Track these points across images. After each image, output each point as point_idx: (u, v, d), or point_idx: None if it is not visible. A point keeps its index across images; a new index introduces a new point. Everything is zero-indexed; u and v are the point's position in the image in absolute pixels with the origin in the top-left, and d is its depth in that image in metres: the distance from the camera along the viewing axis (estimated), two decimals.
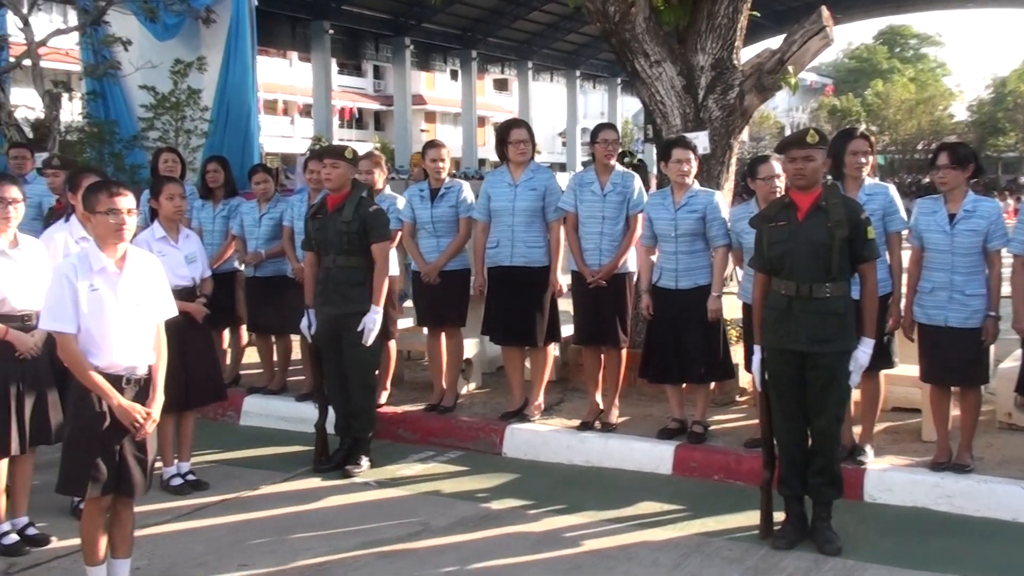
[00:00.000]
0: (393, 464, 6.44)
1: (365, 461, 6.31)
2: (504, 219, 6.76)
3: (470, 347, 7.68)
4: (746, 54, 7.95)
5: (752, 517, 5.18)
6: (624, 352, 6.77)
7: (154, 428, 4.22)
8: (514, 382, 6.98)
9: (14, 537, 4.97)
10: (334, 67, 42.52)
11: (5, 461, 4.93)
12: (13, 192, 4.91)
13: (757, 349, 5.11)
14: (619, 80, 52.87)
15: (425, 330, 7.51)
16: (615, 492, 5.87)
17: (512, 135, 6.78)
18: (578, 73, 51.20)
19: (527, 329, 6.75)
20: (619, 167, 6.73)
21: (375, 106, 58.13)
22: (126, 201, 4.12)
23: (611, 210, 6.60)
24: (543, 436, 6.63)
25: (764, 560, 4.83)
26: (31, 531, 5.06)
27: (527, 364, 7.12)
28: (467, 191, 7.15)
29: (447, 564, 4.81)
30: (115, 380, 4.08)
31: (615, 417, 6.76)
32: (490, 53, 45.33)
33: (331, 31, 35.89)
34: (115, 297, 4.09)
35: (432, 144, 7.31)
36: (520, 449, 6.63)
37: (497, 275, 6.87)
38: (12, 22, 11.76)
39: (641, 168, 8.28)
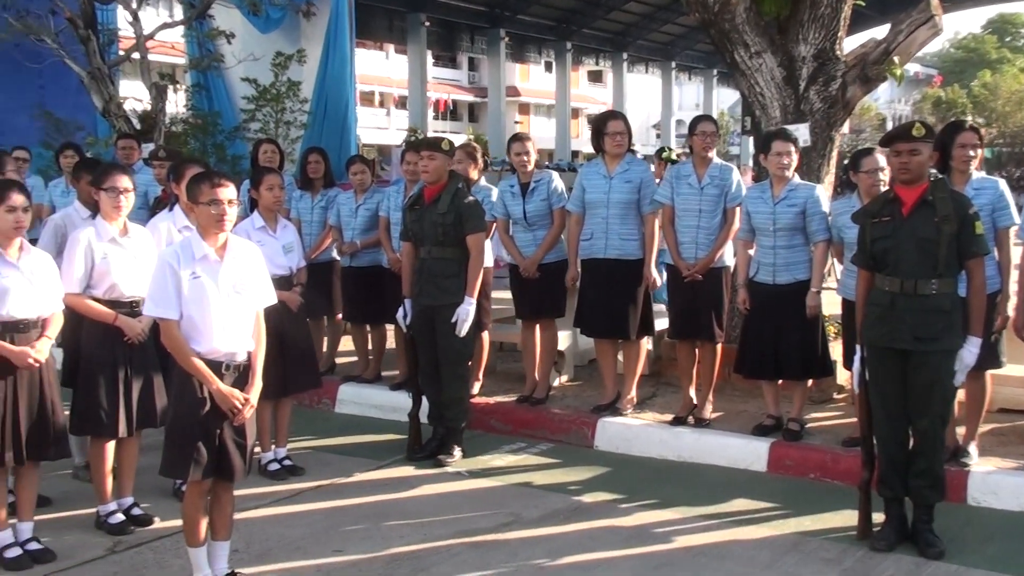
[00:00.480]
0: (485, 454, 6.47)
1: (457, 451, 6.36)
2: (598, 211, 6.73)
3: (563, 339, 7.67)
4: (849, 44, 7.75)
5: (850, 518, 5.07)
6: (719, 347, 6.68)
7: (252, 414, 4.31)
8: (606, 375, 6.95)
9: (120, 516, 5.13)
10: (429, 59, 42.87)
11: (113, 443, 5.10)
12: (124, 182, 5.08)
13: (858, 347, 4.98)
14: (715, 71, 52.12)
15: (518, 321, 7.52)
16: (708, 488, 5.80)
17: (609, 127, 6.73)
18: (673, 64, 50.61)
19: (620, 322, 6.70)
20: (718, 160, 6.64)
21: (469, 98, 58.45)
22: (227, 192, 4.21)
23: (708, 203, 6.52)
24: (635, 430, 6.59)
25: (863, 562, 4.71)
26: (136, 511, 5.22)
27: (620, 357, 7.08)
28: (557, 181, 7.13)
29: (538, 556, 4.81)
30: (215, 366, 4.17)
31: (709, 412, 6.68)
32: (585, 44, 45.08)
33: (427, 23, 36.13)
34: (215, 285, 4.18)
35: (516, 138, 7.30)
36: (612, 442, 6.60)
37: (590, 267, 6.84)
38: (122, 17, 12.13)
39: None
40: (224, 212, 4.18)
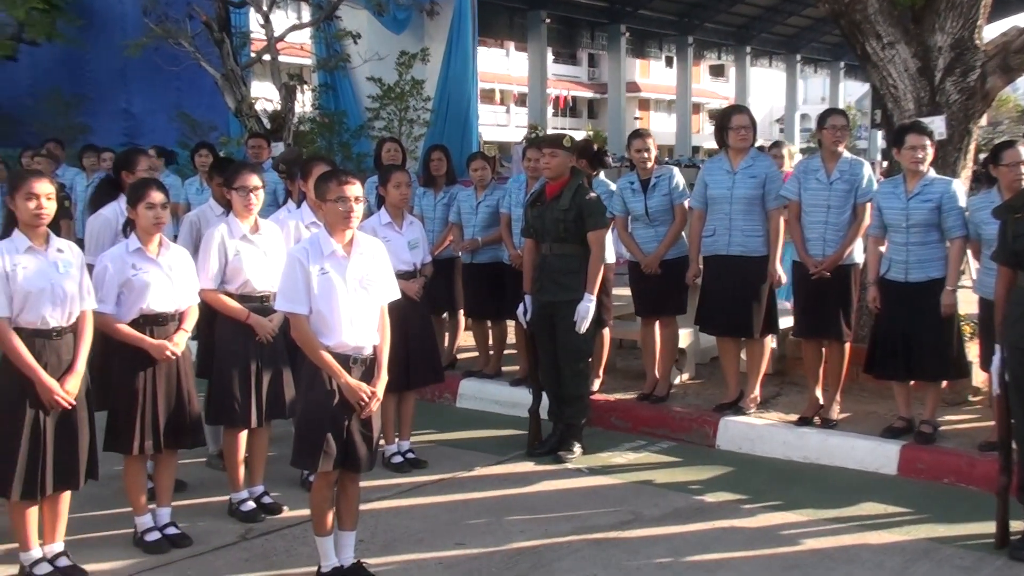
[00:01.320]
0: (605, 452, 6.44)
1: (577, 447, 6.35)
2: (721, 207, 6.62)
3: (684, 337, 7.57)
4: (989, 32, 7.43)
5: (987, 525, 4.85)
6: (847, 346, 6.50)
7: (378, 407, 4.38)
8: (729, 373, 6.84)
9: (251, 504, 5.29)
10: (549, 56, 42.93)
11: (244, 433, 5.27)
12: (255, 181, 5.23)
13: (997, 348, 4.77)
14: (842, 64, 50.78)
15: (638, 318, 7.47)
16: (835, 491, 5.65)
17: (733, 121, 6.62)
18: (798, 57, 49.50)
19: (744, 320, 6.59)
20: (848, 154, 6.45)
21: (589, 94, 58.35)
22: (354, 189, 4.28)
23: (837, 199, 6.34)
24: (759, 430, 6.46)
25: (1001, 571, 4.52)
26: (266, 500, 5.38)
27: (743, 356, 6.96)
28: (678, 177, 7.05)
29: (659, 555, 4.76)
30: (343, 359, 4.25)
31: (836, 413, 6.50)
32: (707, 39, 44.50)
33: (547, 20, 36.22)
34: (343, 280, 4.26)
35: (636, 134, 7.23)
36: (734, 442, 6.49)
37: (713, 264, 6.74)
38: (254, 20, 12.52)
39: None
40: (351, 209, 4.26)
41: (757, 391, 6.77)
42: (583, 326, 6.18)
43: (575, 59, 57.23)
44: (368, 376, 4.34)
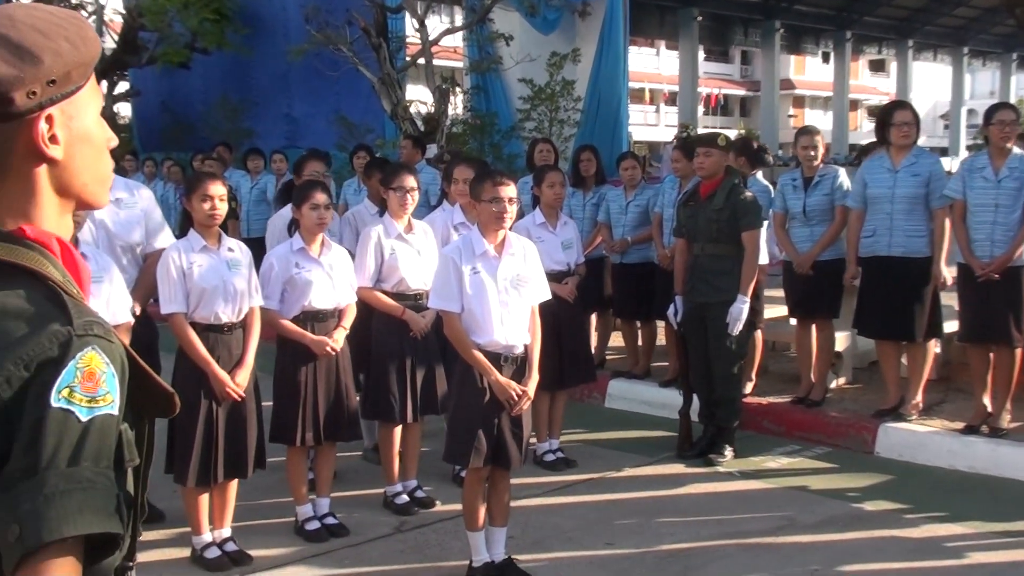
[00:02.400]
0: (757, 455, 6.33)
1: (728, 450, 6.25)
2: (882, 206, 6.40)
3: (840, 340, 7.36)
4: None
5: None
6: (1018, 352, 6.18)
7: (529, 405, 4.43)
8: (889, 378, 6.60)
9: (405, 498, 5.43)
10: (701, 54, 42.33)
11: (399, 428, 5.41)
12: (411, 182, 5.37)
13: None
14: (1014, 56, 48.24)
15: (793, 320, 7.30)
16: (1005, 503, 5.38)
17: (896, 117, 6.39)
18: (965, 50, 47.28)
19: (905, 323, 6.35)
20: (1018, 150, 6.14)
21: (741, 92, 57.33)
22: (509, 190, 4.33)
23: (1006, 197, 6.04)
24: (921, 437, 6.22)
25: None
26: (419, 493, 5.51)
27: (903, 360, 6.71)
28: (843, 177, 6.86)
29: (813, 562, 4.65)
30: (494, 358, 4.30)
31: (1006, 422, 6.19)
32: (866, 33, 42.98)
33: (699, 18, 35.72)
34: (494, 280, 4.32)
35: (804, 131, 7.08)
36: (894, 449, 6.26)
37: (873, 266, 6.51)
38: (409, 24, 12.81)
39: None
40: (504, 210, 4.30)
41: (919, 397, 6.51)
42: (736, 328, 6.09)
43: (727, 56, 56.29)
44: (519, 375, 4.38)
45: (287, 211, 5.89)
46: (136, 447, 1.34)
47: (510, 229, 4.45)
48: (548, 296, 4.60)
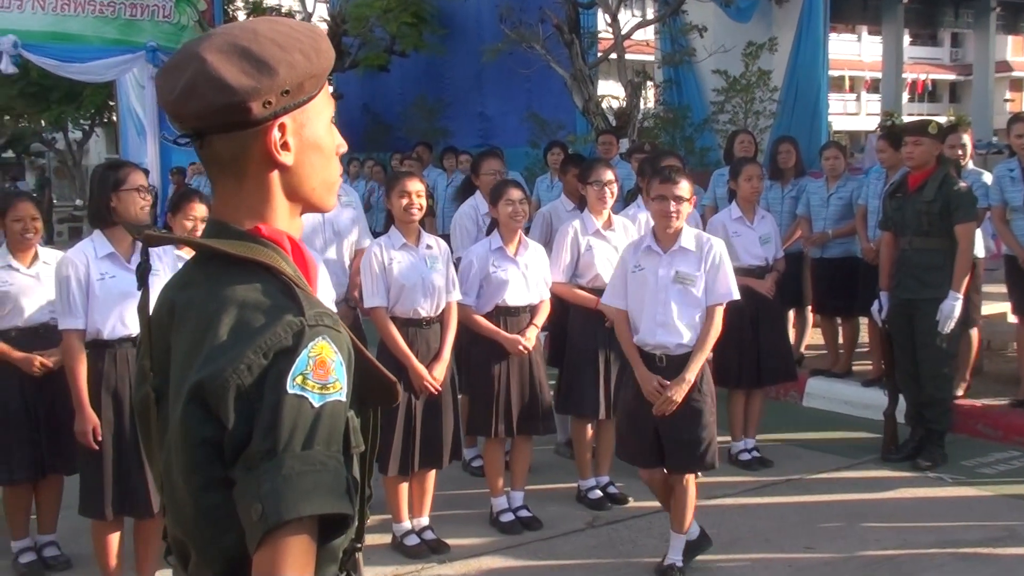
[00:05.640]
0: (970, 460, 5.98)
1: (938, 454, 5.93)
2: None
3: None
4: None
5: None
6: None
7: (672, 408, 4.25)
8: None
9: (598, 493, 5.42)
10: (906, 38, 40.29)
11: (593, 423, 5.40)
12: (609, 175, 5.37)
13: None
14: None
15: (1012, 318, 6.84)
16: None
17: None
18: None
19: None
20: None
21: (950, 76, 54.26)
22: (677, 188, 4.25)
23: None
24: None
25: None
26: (612, 489, 5.47)
27: None
28: None
29: None
30: (648, 357, 4.25)
31: None
32: None
33: (905, 0, 34.03)
34: (655, 277, 4.25)
35: (1017, 118, 6.60)
36: None
37: None
38: (601, 19, 12.81)
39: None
40: (669, 209, 4.24)
41: None
42: (947, 326, 5.76)
43: (935, 40, 53.36)
44: (672, 374, 4.26)
45: (468, 207, 6.01)
46: (361, 434, 1.40)
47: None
48: (733, 297, 4.42)
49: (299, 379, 1.28)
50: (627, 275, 4.30)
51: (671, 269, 4.28)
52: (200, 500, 1.34)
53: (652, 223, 4.54)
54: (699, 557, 4.53)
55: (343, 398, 1.33)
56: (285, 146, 1.41)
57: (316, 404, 1.29)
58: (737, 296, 4.48)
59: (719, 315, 4.37)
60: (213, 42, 1.37)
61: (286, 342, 1.30)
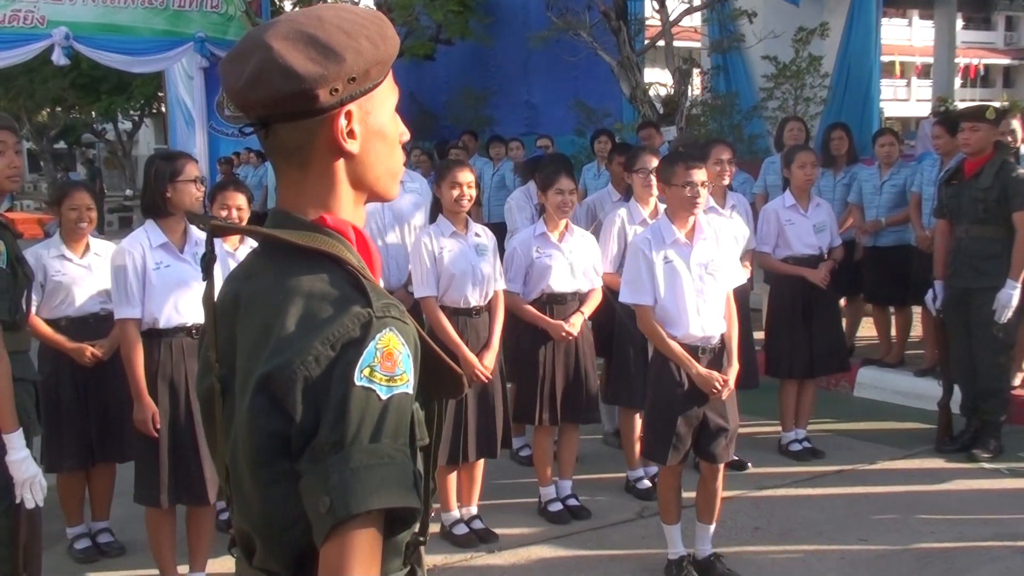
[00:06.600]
0: None
1: (994, 446, 5.83)
2: None
3: None
4: None
5: None
6: None
7: (732, 396, 4.24)
8: None
9: (647, 483, 5.39)
10: (959, 22, 39.59)
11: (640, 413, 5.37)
12: (653, 163, 5.29)
13: None
14: None
15: None
16: None
17: None
18: None
19: None
20: None
21: (1005, 61, 53.21)
22: (701, 174, 4.16)
23: None
24: None
25: None
26: (643, 484, 5.43)
27: None
28: None
29: None
30: (691, 350, 4.15)
31: None
32: None
33: None
34: (687, 268, 4.16)
35: None
36: None
37: None
38: (648, 5, 12.69)
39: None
40: (697, 194, 4.13)
41: None
42: (1005, 315, 5.65)
43: (989, 23, 52.34)
44: (716, 365, 4.20)
45: (521, 192, 6.00)
46: (426, 427, 1.39)
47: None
48: (743, 280, 4.38)
49: (367, 371, 1.27)
50: (652, 269, 4.16)
51: (702, 257, 4.20)
52: (267, 493, 1.34)
53: (661, 212, 4.46)
54: (750, 548, 4.50)
55: (410, 390, 1.31)
56: (351, 134, 1.39)
57: (384, 396, 1.28)
58: (745, 280, 4.44)
59: (732, 299, 4.33)
60: (279, 29, 1.35)
61: (354, 333, 1.29)
